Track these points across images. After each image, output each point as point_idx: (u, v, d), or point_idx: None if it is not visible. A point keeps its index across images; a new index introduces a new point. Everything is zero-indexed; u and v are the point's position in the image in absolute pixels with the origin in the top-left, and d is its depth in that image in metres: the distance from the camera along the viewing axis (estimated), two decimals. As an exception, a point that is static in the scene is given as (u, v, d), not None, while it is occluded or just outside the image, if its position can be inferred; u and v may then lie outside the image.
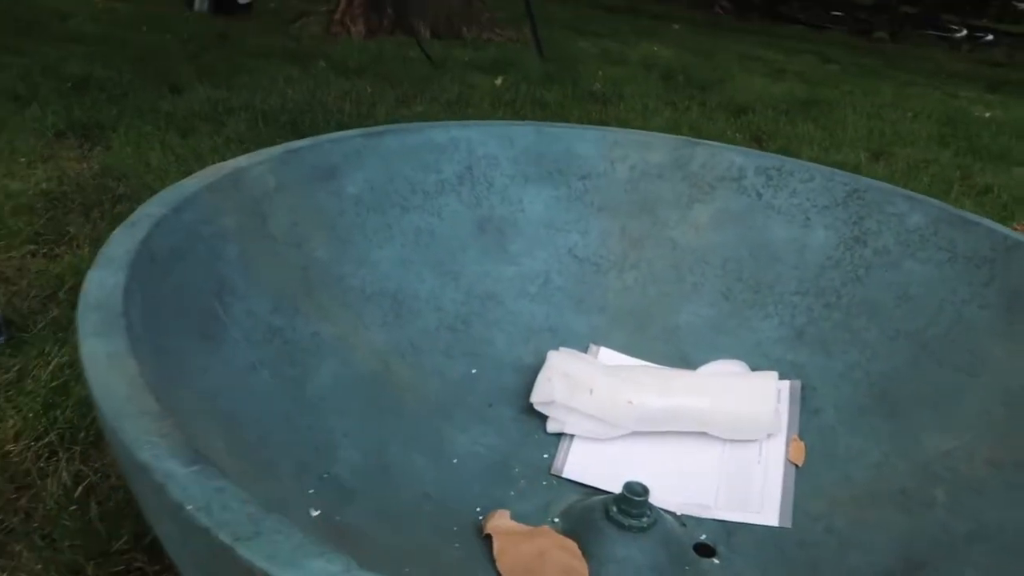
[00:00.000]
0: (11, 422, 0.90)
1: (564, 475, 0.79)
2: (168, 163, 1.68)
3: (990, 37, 6.68)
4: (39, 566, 0.74)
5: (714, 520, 0.75)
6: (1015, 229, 1.57)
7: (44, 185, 1.54)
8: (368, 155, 0.88)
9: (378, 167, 0.88)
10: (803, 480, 0.79)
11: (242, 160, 0.78)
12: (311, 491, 0.60)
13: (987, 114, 3.46)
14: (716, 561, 0.71)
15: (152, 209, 0.65)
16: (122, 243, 0.59)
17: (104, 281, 0.53)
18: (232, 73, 2.50)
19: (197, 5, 3.65)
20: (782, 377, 0.87)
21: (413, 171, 0.91)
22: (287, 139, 1.79)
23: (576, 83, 2.96)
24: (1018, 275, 0.79)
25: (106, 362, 0.44)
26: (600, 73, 3.21)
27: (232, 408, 0.60)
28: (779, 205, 0.95)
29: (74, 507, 0.79)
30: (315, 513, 0.57)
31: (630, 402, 0.81)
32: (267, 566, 0.32)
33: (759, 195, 0.96)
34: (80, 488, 0.82)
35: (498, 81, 2.83)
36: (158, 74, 2.41)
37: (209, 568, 0.35)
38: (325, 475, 0.64)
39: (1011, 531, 0.64)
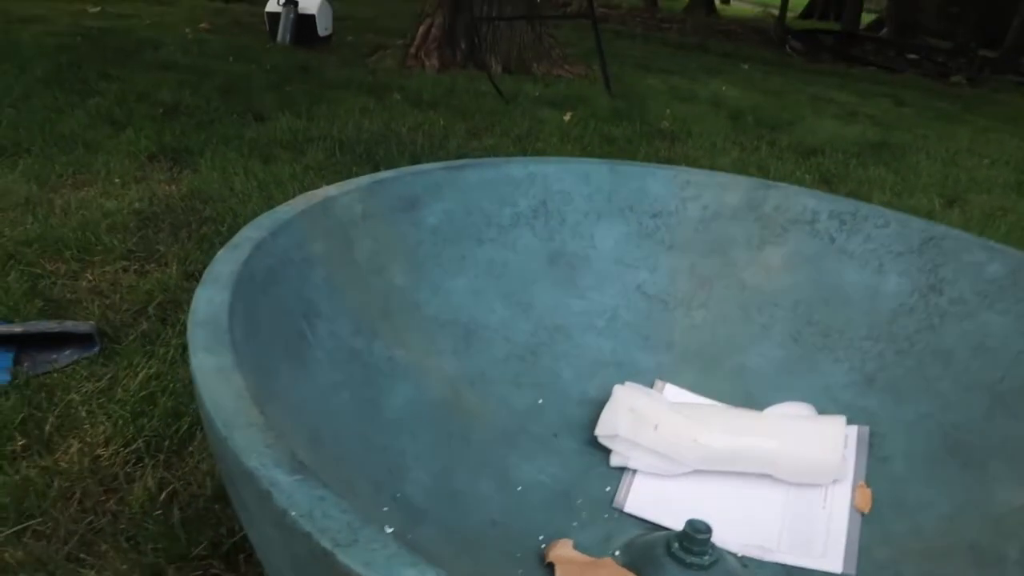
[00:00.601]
0: (102, 428, 0.96)
1: (626, 509, 0.80)
2: (251, 188, 1.76)
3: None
4: (124, 566, 0.78)
5: (776, 563, 0.75)
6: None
7: (137, 205, 1.63)
8: (448, 187, 0.92)
9: (457, 199, 0.92)
10: (869, 528, 0.78)
11: (332, 189, 0.82)
12: (385, 508, 0.63)
13: (1070, 162, 3.34)
14: (778, 604, 0.70)
15: (252, 232, 0.69)
16: (226, 263, 0.63)
17: (212, 299, 0.57)
18: (311, 103, 2.61)
19: (280, 37, 3.82)
20: (850, 422, 0.87)
21: (490, 204, 0.94)
22: (363, 168, 1.86)
23: (644, 120, 2.99)
24: (1101, 331, 0.78)
25: (215, 376, 0.48)
26: (668, 111, 3.24)
27: (316, 424, 0.64)
28: (852, 250, 0.95)
29: (158, 512, 0.84)
30: (389, 530, 0.59)
31: (695, 440, 0.82)
32: (364, 572, 0.34)
33: (832, 239, 0.96)
34: (164, 494, 0.87)
35: (567, 117, 2.87)
36: (243, 103, 2.53)
37: (308, 572, 0.38)
38: (398, 495, 0.67)
39: (1089, 593, 0.63)
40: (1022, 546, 0.70)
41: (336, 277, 0.77)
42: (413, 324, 0.84)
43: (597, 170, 1.00)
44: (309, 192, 0.81)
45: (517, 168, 0.97)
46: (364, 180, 0.86)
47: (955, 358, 0.86)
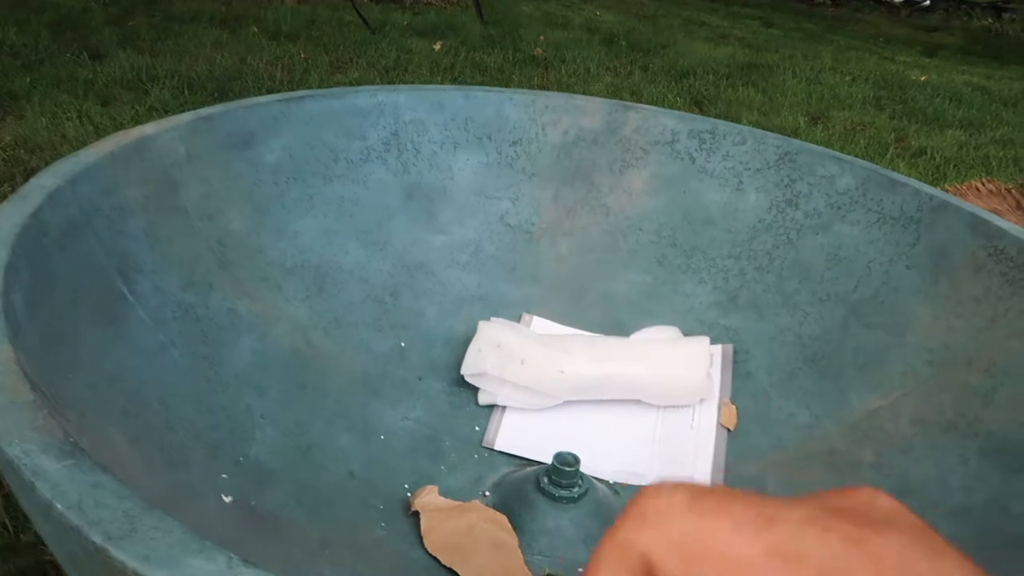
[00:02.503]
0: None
1: (496, 447, 0.78)
2: (86, 134, 1.60)
3: (927, 2, 6.80)
4: (-58, 562, 0.70)
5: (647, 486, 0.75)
6: (953, 190, 1.60)
7: (-50, 158, 1.45)
8: (287, 121, 0.84)
9: (298, 134, 0.84)
10: (736, 444, 0.79)
11: (149, 127, 0.73)
12: (224, 476, 0.58)
13: (923, 78, 3.52)
14: (648, 529, 0.70)
15: (46, 180, 0.60)
16: (9, 217, 0.55)
17: (-17, 260, 0.49)
18: (157, 38, 2.39)
19: (121, -33, 3.49)
20: (715, 341, 0.87)
21: (336, 138, 0.87)
22: (213, 107, 1.72)
23: (517, 47, 2.92)
24: (943, 234, 0.80)
25: (-24, 349, 0.41)
26: (541, 37, 3.17)
27: (136, 392, 0.57)
28: (712, 169, 0.94)
29: (-22, 500, 0.75)
30: (228, 499, 0.55)
31: (562, 371, 0.80)
32: (140, 566, 0.29)
33: (692, 159, 0.95)
34: (-14, 479, 0.78)
35: (437, 46, 2.77)
36: (78, 40, 2.30)
37: (85, 569, 0.33)
38: (241, 458, 0.61)
39: (933, 487, 0.65)
40: (875, 449, 0.72)
41: (159, 226, 0.69)
42: (256, 272, 0.77)
43: (451, 97, 0.94)
44: (121, 132, 0.71)
45: (364, 98, 0.90)
46: (187, 116, 0.77)
47: (811, 271, 0.87)
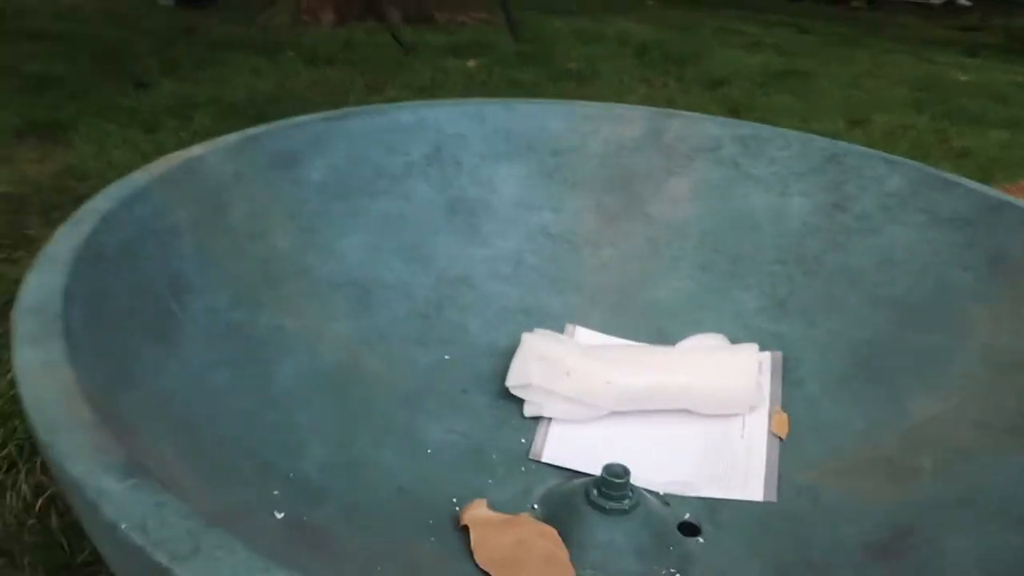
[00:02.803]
0: (-30, 433, 0.88)
1: (543, 459, 0.77)
2: (133, 160, 1.64)
3: (966, 2, 6.67)
4: (1, 583, 0.71)
5: (698, 498, 0.73)
6: (1004, 190, 1.56)
7: (2, 188, 1.49)
8: (331, 140, 0.85)
9: (342, 152, 0.85)
10: (788, 453, 0.77)
11: (196, 149, 0.75)
12: (276, 492, 0.58)
13: (963, 78, 3.45)
14: (701, 540, 0.69)
15: (98, 204, 0.62)
16: (65, 241, 0.56)
17: (43, 283, 0.50)
18: (198, 67, 2.45)
19: (162, -1, 3.59)
20: (764, 348, 0.85)
21: (379, 155, 0.88)
22: (254, 130, 1.74)
23: (551, 63, 2.93)
24: (999, 235, 0.78)
25: (40, 371, 0.41)
26: (574, 52, 3.18)
27: (188, 411, 0.58)
28: (757, 174, 0.93)
29: (34, 521, 0.76)
30: (280, 516, 0.55)
31: (608, 382, 0.79)
32: (204, 583, 0.29)
33: (736, 165, 0.94)
34: (40, 500, 0.79)
35: (471, 64, 2.79)
36: (122, 70, 2.36)
37: (150, 587, 0.33)
38: (291, 475, 0.62)
39: (997, 495, 0.63)
40: (935, 456, 0.70)
41: (208, 246, 0.71)
42: (303, 289, 0.78)
43: (492, 110, 0.94)
44: (170, 154, 0.73)
45: (406, 114, 0.91)
46: (233, 137, 0.78)
47: (862, 274, 0.85)
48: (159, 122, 1.92)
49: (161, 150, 1.72)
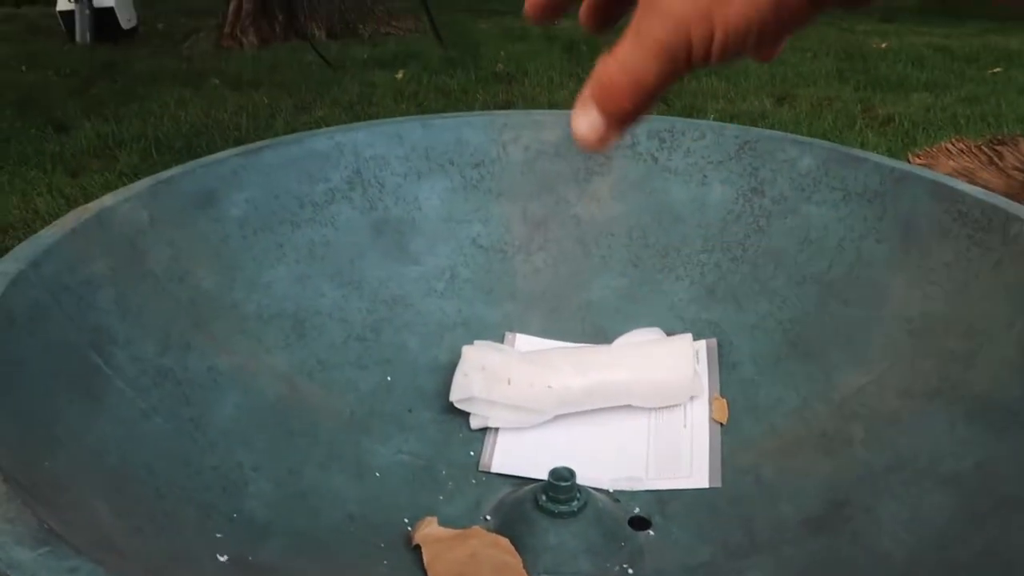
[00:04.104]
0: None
1: (492, 470, 0.78)
2: (58, 207, 1.61)
3: (878, -31, 6.85)
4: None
5: (647, 491, 0.75)
6: (924, 153, 1.60)
7: (-75, 249, 1.45)
8: (247, 174, 0.84)
9: (260, 185, 0.85)
10: (729, 437, 0.79)
11: (107, 199, 0.74)
12: (218, 535, 0.58)
13: (883, 45, 3.55)
14: (651, 533, 0.70)
15: (6, 266, 0.61)
16: (-27, 308, 0.55)
17: (-51, 354, 0.49)
18: (120, 103, 2.40)
19: (79, 37, 3.50)
20: (698, 337, 0.87)
21: (298, 184, 0.88)
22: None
23: (479, 65, 2.94)
24: (907, 205, 0.80)
25: (-53, 446, 0.41)
26: (502, 52, 3.20)
27: (123, 464, 0.57)
28: (675, 167, 0.95)
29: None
30: (223, 559, 0.55)
31: (550, 386, 0.80)
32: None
33: (655, 159, 0.95)
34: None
35: (399, 75, 2.78)
36: (41, 114, 2.31)
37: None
38: (235, 515, 0.61)
39: (925, 458, 0.65)
40: (865, 426, 0.73)
41: (129, 295, 0.70)
42: (233, 326, 0.77)
43: (409, 128, 0.95)
44: (80, 207, 0.72)
45: (321, 140, 0.90)
46: (146, 182, 0.77)
47: (785, 255, 0.88)
48: (83, 165, 1.88)
49: (87, 194, 1.69)
